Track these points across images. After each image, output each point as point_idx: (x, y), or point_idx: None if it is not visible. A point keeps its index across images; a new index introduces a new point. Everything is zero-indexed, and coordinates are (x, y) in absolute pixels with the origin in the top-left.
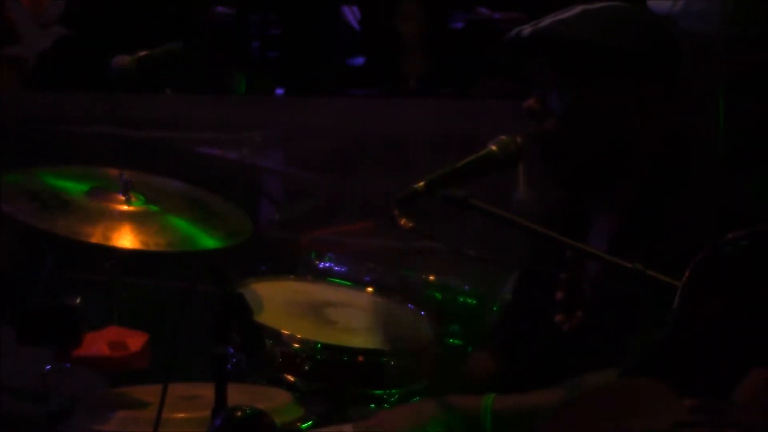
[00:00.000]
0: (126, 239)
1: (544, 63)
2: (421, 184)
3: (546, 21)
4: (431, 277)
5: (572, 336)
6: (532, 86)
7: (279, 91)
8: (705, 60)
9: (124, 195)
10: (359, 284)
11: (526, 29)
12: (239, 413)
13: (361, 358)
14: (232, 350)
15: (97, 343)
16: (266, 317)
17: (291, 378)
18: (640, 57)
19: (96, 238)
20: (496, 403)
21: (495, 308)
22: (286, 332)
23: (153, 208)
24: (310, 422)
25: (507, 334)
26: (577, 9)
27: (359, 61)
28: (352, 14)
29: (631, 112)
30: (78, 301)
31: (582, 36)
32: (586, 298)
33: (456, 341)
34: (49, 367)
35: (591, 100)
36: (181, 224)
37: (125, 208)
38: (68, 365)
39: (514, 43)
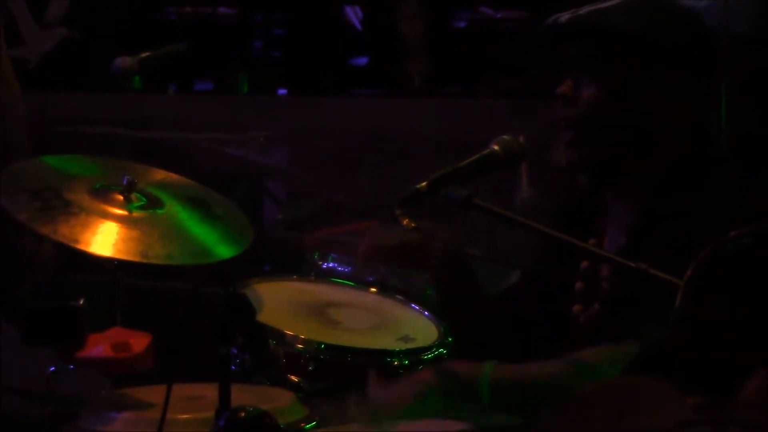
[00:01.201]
0: (126, 249)
1: (581, 50)
2: (424, 183)
3: (585, 9)
4: None
5: (587, 329)
6: (566, 72)
7: (282, 91)
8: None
9: (125, 197)
10: (363, 284)
11: (564, 16)
12: (243, 414)
13: (364, 358)
14: (235, 351)
15: (101, 344)
16: (269, 317)
17: (295, 378)
18: (677, 49)
19: (95, 248)
20: (495, 372)
21: None
22: (289, 332)
23: (157, 211)
24: (314, 422)
25: (518, 324)
26: None
27: (362, 61)
28: (354, 14)
29: (662, 102)
30: (81, 302)
31: (623, 25)
32: (604, 292)
33: None
34: (52, 368)
35: (625, 89)
36: (184, 232)
37: (126, 213)
38: (72, 366)
39: (551, 29)
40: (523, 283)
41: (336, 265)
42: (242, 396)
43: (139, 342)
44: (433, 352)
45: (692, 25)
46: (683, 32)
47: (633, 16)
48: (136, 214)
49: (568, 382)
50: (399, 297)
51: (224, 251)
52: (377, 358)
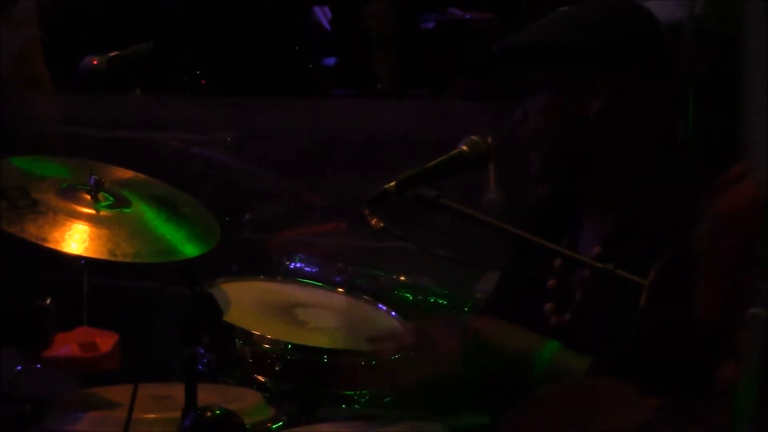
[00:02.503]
0: (94, 247)
1: (529, 71)
2: (392, 184)
3: (518, 34)
4: (402, 278)
5: (557, 332)
6: (522, 95)
7: None
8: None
9: (93, 197)
10: (330, 285)
11: (499, 45)
12: (209, 413)
13: (331, 359)
14: (202, 350)
15: (68, 344)
16: (236, 317)
17: (261, 378)
18: (621, 50)
19: (64, 246)
20: (558, 356)
21: (466, 308)
22: (256, 332)
23: (124, 210)
24: (281, 423)
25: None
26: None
27: (330, 61)
28: (323, 15)
29: (616, 109)
30: (48, 301)
31: (558, 38)
32: (576, 301)
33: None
34: (19, 368)
35: (574, 101)
36: (151, 231)
37: (94, 212)
38: (38, 366)
39: (498, 57)
40: (497, 291)
41: (303, 265)
42: (209, 396)
43: (106, 341)
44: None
45: (638, 26)
46: (628, 35)
47: (565, 27)
48: (103, 213)
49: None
50: (366, 297)
51: (191, 250)
52: (344, 359)
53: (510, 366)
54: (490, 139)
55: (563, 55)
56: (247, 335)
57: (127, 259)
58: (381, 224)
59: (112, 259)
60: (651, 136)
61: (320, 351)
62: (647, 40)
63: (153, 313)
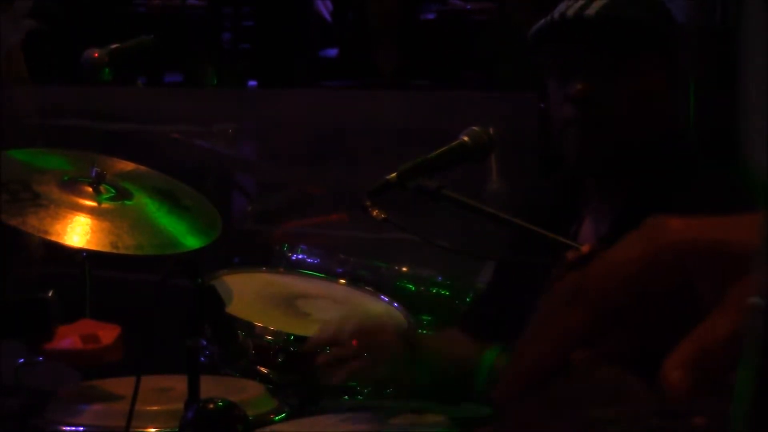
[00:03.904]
0: (96, 240)
1: (594, 47)
2: (394, 175)
3: (596, 3)
4: (404, 269)
5: None
6: (571, 74)
7: (252, 83)
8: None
9: (94, 189)
10: (332, 276)
11: (590, 9)
12: (212, 405)
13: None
14: (204, 342)
15: (70, 336)
16: (238, 309)
17: (264, 370)
18: (672, 29)
19: (66, 239)
20: (499, 360)
21: (468, 299)
22: (258, 324)
23: (126, 203)
24: (284, 414)
25: (482, 321)
26: None
27: (332, 52)
28: (324, 6)
29: (658, 94)
30: (50, 293)
31: (630, 16)
32: None
33: (429, 332)
34: (21, 360)
35: (638, 83)
36: (153, 223)
37: (96, 204)
38: (40, 358)
39: (560, 26)
40: (493, 282)
41: (305, 256)
42: (211, 388)
43: (108, 334)
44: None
45: (661, 9)
46: (670, 15)
47: (637, 6)
48: (105, 205)
49: None
50: (368, 288)
51: (193, 242)
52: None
53: (452, 376)
54: (491, 130)
55: (637, 31)
56: (250, 327)
57: (129, 252)
58: (383, 215)
59: (114, 251)
60: (663, 124)
61: None
62: (668, 23)
63: (155, 305)
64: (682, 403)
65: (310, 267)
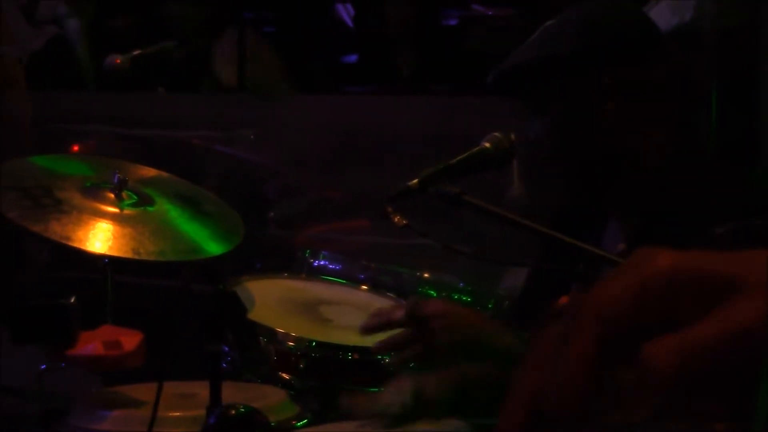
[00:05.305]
0: (118, 246)
1: (525, 93)
2: (415, 181)
3: (509, 59)
4: (426, 275)
5: None
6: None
7: None
8: (698, 53)
9: (116, 195)
10: (353, 282)
11: (490, 75)
12: (233, 411)
13: (355, 356)
14: (226, 348)
15: (92, 342)
16: (260, 315)
17: (286, 376)
18: (616, 46)
19: (88, 245)
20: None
21: (490, 305)
22: (280, 330)
23: (148, 209)
24: (305, 420)
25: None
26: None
27: (352, 58)
28: (346, 12)
29: (632, 105)
30: (72, 299)
31: (554, 50)
32: None
33: None
34: (43, 366)
35: (589, 105)
36: (175, 229)
37: (118, 211)
38: (62, 364)
39: (496, 85)
40: (526, 289)
41: (327, 262)
42: (233, 393)
43: (130, 340)
44: None
45: (625, 20)
46: (619, 30)
47: (557, 39)
48: (127, 211)
49: None
50: (390, 294)
51: (215, 248)
52: (368, 356)
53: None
54: (513, 136)
55: (564, 65)
56: (271, 333)
57: (151, 258)
58: (404, 221)
59: (136, 257)
60: (671, 131)
61: (345, 348)
62: (638, 32)
63: (177, 311)
64: (666, 386)
65: (332, 273)
